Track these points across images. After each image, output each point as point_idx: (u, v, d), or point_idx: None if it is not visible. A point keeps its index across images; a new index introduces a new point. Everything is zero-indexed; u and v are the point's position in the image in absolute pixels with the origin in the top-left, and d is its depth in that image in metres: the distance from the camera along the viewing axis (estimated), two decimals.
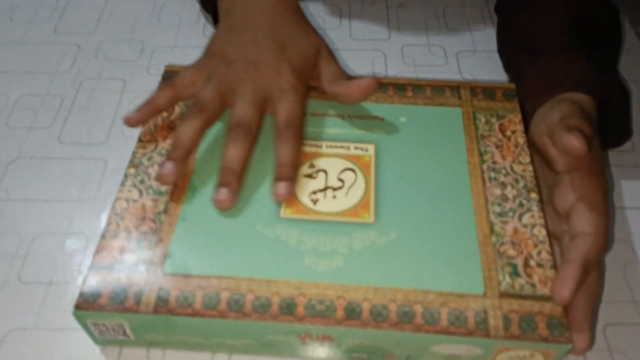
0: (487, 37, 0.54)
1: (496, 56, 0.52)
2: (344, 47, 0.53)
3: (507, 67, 0.48)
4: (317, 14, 0.56)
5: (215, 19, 0.50)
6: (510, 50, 0.47)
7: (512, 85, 0.42)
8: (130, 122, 0.38)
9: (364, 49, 0.53)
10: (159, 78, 0.49)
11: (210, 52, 0.40)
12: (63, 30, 0.55)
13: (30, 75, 0.50)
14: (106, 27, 0.55)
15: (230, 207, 0.34)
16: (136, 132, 0.45)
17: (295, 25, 0.41)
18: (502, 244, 0.33)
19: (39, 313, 0.36)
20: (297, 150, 0.37)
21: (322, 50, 0.42)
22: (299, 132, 0.37)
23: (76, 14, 0.57)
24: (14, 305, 0.36)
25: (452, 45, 0.53)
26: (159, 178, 0.34)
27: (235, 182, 0.35)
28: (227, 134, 0.36)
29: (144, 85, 0.49)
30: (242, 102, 0.38)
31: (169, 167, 0.34)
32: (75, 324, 0.35)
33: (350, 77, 0.41)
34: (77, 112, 0.47)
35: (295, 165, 0.36)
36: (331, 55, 0.42)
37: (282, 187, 0.35)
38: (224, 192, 0.34)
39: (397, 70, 0.51)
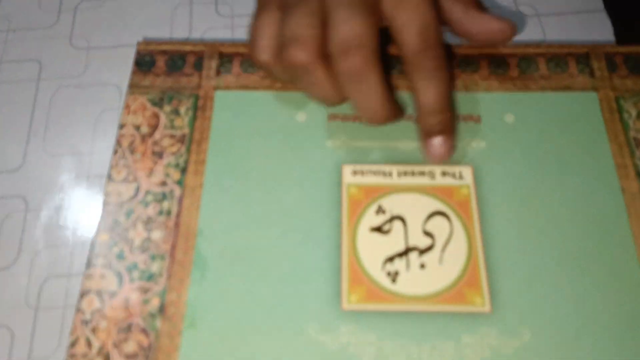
0: None
1: None
2: None
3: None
4: None
5: None
6: None
7: None
8: None
9: None
10: (89, 53, 0.33)
11: None
12: None
13: None
14: None
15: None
16: (74, 139, 0.30)
17: None
18: None
19: None
20: (446, 84, 0.24)
21: None
22: (442, 55, 0.24)
23: None
24: None
25: None
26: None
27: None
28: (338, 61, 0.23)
29: (70, 67, 0.32)
30: (346, 12, 0.23)
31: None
32: None
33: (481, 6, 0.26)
34: None
35: (448, 105, 0.25)
36: None
37: (440, 142, 0.25)
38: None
39: None
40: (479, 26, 0.26)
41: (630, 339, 0.21)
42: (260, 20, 0.25)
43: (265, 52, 0.25)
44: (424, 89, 0.24)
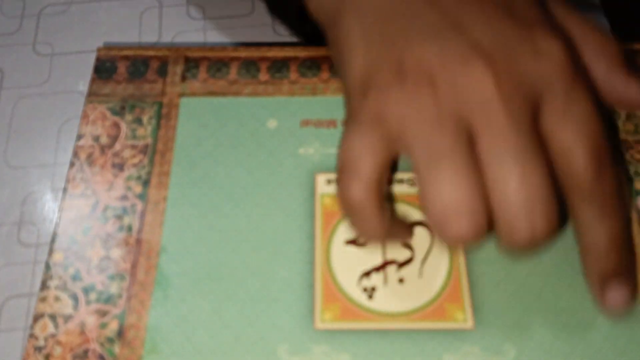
0: None
1: None
2: None
3: None
4: None
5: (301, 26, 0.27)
6: None
7: None
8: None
9: None
10: (53, 60, 0.32)
11: (373, 81, 0.20)
12: None
13: None
14: None
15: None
16: (37, 150, 0.28)
17: None
18: None
19: None
20: (624, 214, 0.20)
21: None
22: (617, 178, 0.20)
23: None
24: None
25: None
26: None
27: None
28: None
29: (33, 75, 0.31)
30: (509, 119, 0.18)
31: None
32: None
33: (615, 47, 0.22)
34: None
35: (626, 243, 0.20)
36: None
37: (616, 288, 0.20)
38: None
39: None
40: (619, 94, 0.21)
41: (621, 356, 0.20)
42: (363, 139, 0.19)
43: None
44: (596, 226, 0.20)
